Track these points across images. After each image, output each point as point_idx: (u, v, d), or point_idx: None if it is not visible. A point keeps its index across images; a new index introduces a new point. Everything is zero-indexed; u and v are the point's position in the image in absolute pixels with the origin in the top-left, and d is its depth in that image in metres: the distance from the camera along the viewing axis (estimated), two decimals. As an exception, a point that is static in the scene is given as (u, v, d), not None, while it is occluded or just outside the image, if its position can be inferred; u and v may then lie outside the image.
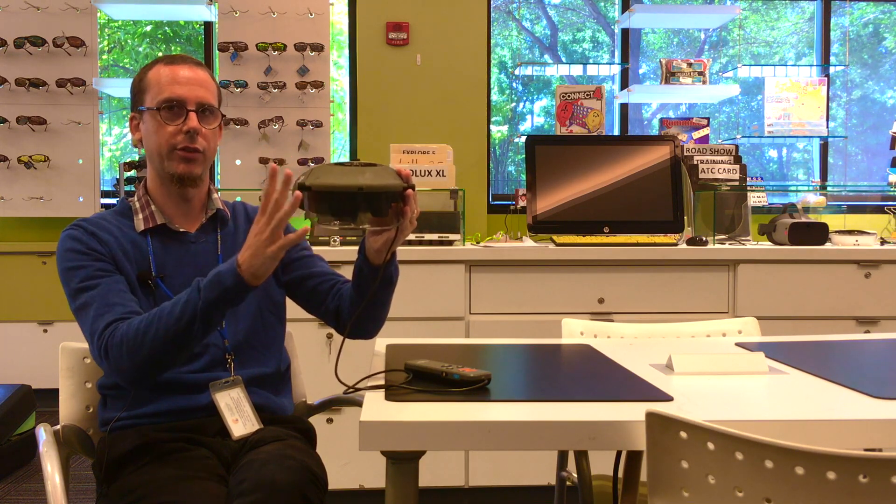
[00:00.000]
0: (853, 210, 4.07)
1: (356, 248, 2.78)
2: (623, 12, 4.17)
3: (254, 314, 1.60)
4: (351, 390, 1.30)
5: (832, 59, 4.41)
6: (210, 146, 1.58)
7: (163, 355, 1.38)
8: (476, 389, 1.24)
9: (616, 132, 4.32)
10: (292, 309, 1.71)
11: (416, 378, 1.32)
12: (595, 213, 3.01)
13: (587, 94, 3.53)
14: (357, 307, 1.55)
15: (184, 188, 1.57)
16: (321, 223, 1.32)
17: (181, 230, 1.59)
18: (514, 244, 2.96)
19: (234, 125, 3.96)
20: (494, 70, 4.41)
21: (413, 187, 1.37)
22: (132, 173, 3.96)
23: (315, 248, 1.78)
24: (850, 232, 3.03)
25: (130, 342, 1.37)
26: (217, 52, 3.99)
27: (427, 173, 3.11)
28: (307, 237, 1.44)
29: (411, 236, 2.87)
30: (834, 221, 3.45)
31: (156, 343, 1.36)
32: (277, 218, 1.32)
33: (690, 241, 2.93)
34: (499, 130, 5.41)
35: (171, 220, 1.59)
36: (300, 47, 3.94)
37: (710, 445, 0.97)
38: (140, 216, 1.58)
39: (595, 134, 3.53)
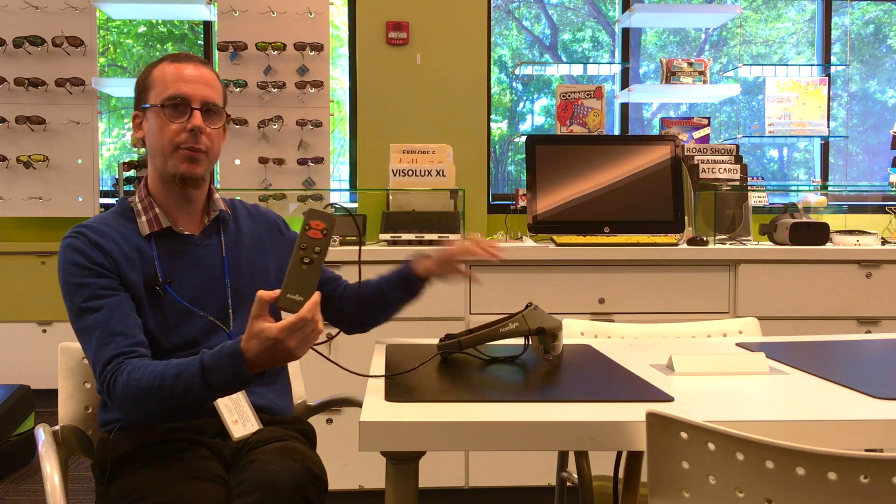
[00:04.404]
0: (854, 210, 4.06)
1: (354, 248, 2.78)
2: (623, 12, 4.16)
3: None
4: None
5: (833, 59, 4.40)
6: (214, 146, 1.55)
7: (168, 415, 1.39)
8: (476, 389, 1.24)
9: (616, 132, 4.31)
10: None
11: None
12: (595, 213, 3.00)
13: (587, 94, 3.53)
14: (377, 311, 1.76)
15: (185, 189, 1.54)
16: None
17: (186, 233, 1.56)
18: (514, 244, 2.96)
19: (234, 125, 3.95)
20: (494, 70, 4.40)
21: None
22: (131, 173, 3.95)
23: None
24: (851, 232, 3.02)
25: (134, 393, 1.34)
26: (216, 51, 3.98)
27: (427, 173, 3.10)
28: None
29: (412, 236, 2.88)
30: (835, 221, 3.45)
31: (161, 406, 1.35)
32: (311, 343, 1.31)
33: (691, 241, 2.92)
34: (498, 127, 5.40)
35: (174, 222, 1.56)
36: (300, 47, 3.93)
37: (711, 446, 0.96)
38: (143, 218, 1.54)
39: (595, 134, 3.52)
